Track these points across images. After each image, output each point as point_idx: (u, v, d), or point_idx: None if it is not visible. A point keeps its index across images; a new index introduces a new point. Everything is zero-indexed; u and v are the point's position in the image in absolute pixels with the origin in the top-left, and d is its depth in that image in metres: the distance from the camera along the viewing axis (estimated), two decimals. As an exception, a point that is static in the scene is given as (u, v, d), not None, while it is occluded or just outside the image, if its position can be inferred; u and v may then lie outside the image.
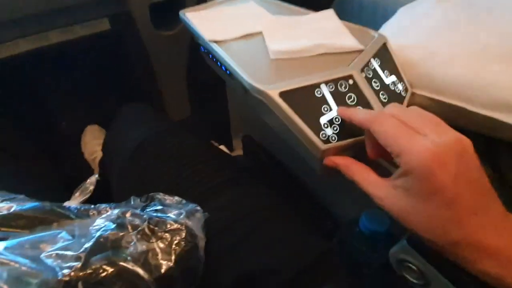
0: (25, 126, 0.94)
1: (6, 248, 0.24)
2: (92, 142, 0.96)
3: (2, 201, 0.31)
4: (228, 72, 0.42)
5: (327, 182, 0.48)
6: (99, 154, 0.90)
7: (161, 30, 0.85)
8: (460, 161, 0.21)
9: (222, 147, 0.93)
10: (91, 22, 0.77)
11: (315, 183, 0.51)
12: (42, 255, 0.23)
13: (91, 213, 0.33)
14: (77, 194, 0.36)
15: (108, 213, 0.27)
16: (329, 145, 0.30)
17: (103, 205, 0.34)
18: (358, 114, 0.27)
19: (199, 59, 0.55)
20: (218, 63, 0.45)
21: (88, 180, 0.36)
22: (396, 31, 0.46)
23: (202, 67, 0.56)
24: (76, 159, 0.97)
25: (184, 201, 0.30)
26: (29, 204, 0.30)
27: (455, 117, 0.39)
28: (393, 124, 0.24)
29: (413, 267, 0.25)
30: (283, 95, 0.31)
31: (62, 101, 1.09)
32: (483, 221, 0.20)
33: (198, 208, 0.29)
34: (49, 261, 0.22)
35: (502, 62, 0.35)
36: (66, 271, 0.21)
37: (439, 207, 0.21)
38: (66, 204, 0.35)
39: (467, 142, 0.22)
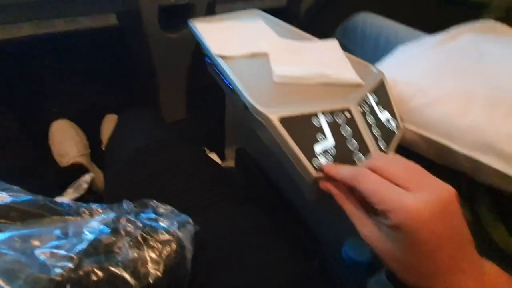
0: (16, 108, 0.92)
1: (1, 241, 0.24)
2: (65, 143, 0.86)
3: (-3, 191, 0.31)
4: (230, 87, 0.44)
5: (313, 205, 0.49)
6: (71, 159, 0.80)
7: (167, 32, 0.86)
8: (443, 217, 0.22)
9: (213, 154, 0.94)
10: (99, 15, 0.78)
11: (302, 203, 0.53)
12: (36, 251, 0.23)
13: (82, 212, 0.33)
14: (70, 190, 0.36)
15: (104, 216, 0.28)
16: (321, 173, 0.32)
17: (95, 205, 0.34)
18: (340, 173, 0.29)
19: (201, 63, 0.57)
20: (222, 76, 0.46)
21: (83, 178, 0.37)
22: (393, 67, 0.48)
23: (203, 72, 0.58)
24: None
25: (176, 211, 0.31)
26: (24, 197, 0.30)
27: (440, 154, 0.42)
28: (375, 181, 0.25)
29: (389, 300, 0.26)
30: (283, 120, 0.33)
31: (56, 89, 1.08)
32: (457, 273, 0.22)
33: (190, 220, 0.30)
34: (42, 258, 0.23)
35: (485, 109, 0.37)
36: (58, 271, 0.22)
37: (419, 259, 0.22)
38: (58, 199, 0.35)
39: (450, 195, 0.23)
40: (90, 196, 0.51)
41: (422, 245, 0.22)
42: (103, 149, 0.90)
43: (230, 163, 0.81)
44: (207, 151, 0.98)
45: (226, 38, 0.49)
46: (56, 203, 0.32)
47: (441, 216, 0.22)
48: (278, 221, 0.43)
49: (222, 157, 0.93)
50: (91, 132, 0.99)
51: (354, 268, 0.35)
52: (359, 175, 0.26)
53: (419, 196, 0.22)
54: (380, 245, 0.24)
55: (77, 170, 0.82)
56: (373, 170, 0.26)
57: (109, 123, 0.95)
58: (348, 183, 0.27)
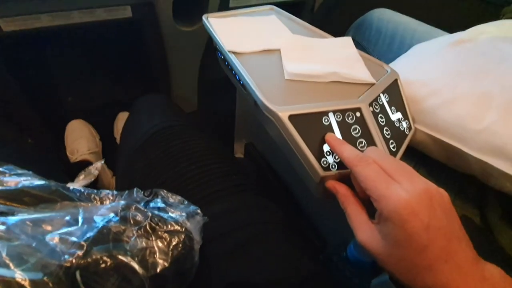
0: (33, 96, 0.95)
1: (12, 224, 0.25)
2: (77, 141, 0.91)
3: (11, 175, 0.33)
4: (241, 82, 0.44)
5: (319, 203, 0.49)
6: (79, 156, 0.86)
7: (181, 25, 0.86)
8: (431, 209, 0.22)
9: (223, 148, 0.94)
10: (114, 7, 0.79)
11: (308, 201, 0.53)
12: (47, 237, 0.24)
13: (93, 198, 0.34)
14: (81, 177, 0.37)
15: (113, 204, 0.29)
16: (329, 172, 0.32)
17: (105, 192, 0.35)
18: (344, 151, 0.29)
19: (213, 57, 0.57)
20: (233, 72, 0.46)
21: (94, 165, 0.38)
22: (407, 67, 0.47)
23: (215, 66, 0.58)
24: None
25: (186, 202, 0.31)
26: (37, 182, 0.31)
27: (451, 157, 0.41)
28: (374, 169, 0.25)
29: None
30: (292, 118, 0.33)
31: (72, 78, 1.10)
32: (452, 268, 0.22)
33: (199, 211, 0.30)
34: (52, 244, 0.24)
35: (500, 111, 0.36)
36: (68, 257, 0.23)
37: (412, 253, 0.22)
38: (70, 185, 0.36)
39: (436, 191, 0.24)
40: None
41: (413, 237, 0.22)
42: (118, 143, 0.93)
43: (239, 156, 0.81)
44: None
45: (239, 34, 0.49)
46: (68, 188, 0.33)
47: (428, 207, 0.22)
48: (288, 217, 0.43)
49: (231, 151, 0.93)
50: (102, 126, 1.02)
51: (359, 268, 0.35)
52: (360, 160, 0.27)
53: (408, 187, 0.23)
54: (376, 247, 0.24)
55: (85, 167, 0.85)
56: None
57: (122, 121, 0.97)
58: (347, 165, 0.28)
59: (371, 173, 0.25)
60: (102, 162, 0.38)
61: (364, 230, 0.26)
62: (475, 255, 0.23)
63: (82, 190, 0.34)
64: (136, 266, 0.24)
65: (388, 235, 0.23)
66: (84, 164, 0.85)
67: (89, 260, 0.23)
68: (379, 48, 0.73)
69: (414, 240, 0.22)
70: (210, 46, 0.96)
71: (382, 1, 0.83)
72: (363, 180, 0.25)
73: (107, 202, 0.33)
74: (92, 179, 0.37)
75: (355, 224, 0.27)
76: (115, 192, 0.34)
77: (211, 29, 0.51)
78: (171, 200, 0.31)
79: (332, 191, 0.31)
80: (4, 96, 0.82)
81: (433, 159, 0.44)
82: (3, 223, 0.24)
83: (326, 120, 0.33)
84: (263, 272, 0.34)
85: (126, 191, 0.34)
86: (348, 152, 0.29)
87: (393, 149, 0.35)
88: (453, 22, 0.66)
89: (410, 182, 0.23)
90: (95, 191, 0.34)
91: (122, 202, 0.28)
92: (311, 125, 0.33)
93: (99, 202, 0.33)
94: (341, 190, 0.30)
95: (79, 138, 0.91)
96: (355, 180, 0.29)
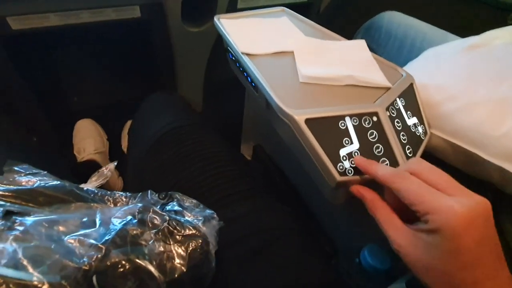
0: (40, 95, 0.95)
1: (30, 225, 0.25)
2: (85, 141, 0.91)
3: (26, 174, 0.32)
4: (253, 84, 0.43)
5: (330, 207, 0.49)
6: (86, 155, 0.87)
7: (189, 26, 0.86)
8: (485, 225, 0.22)
9: (230, 149, 0.94)
10: (123, 7, 0.79)
11: (318, 206, 0.52)
12: (65, 238, 0.24)
13: (106, 200, 0.34)
14: (94, 178, 0.37)
15: (130, 206, 0.28)
16: (345, 177, 0.31)
17: (118, 193, 0.35)
18: (378, 170, 0.28)
19: (220, 59, 0.57)
20: (245, 73, 0.46)
21: (107, 166, 0.37)
22: (422, 70, 0.47)
23: (222, 67, 0.57)
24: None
25: (201, 206, 0.31)
26: (52, 182, 0.31)
27: (468, 163, 0.41)
28: (415, 182, 0.24)
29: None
30: (309, 122, 0.32)
31: (79, 78, 1.11)
32: (497, 286, 0.21)
33: (215, 215, 0.30)
34: (70, 246, 0.23)
35: None
36: (86, 260, 0.22)
37: (459, 267, 0.21)
38: (83, 186, 0.36)
39: (489, 205, 0.23)
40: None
41: (463, 252, 0.21)
42: (125, 152, 0.92)
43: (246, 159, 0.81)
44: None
45: (252, 36, 0.49)
46: (81, 189, 0.33)
47: (484, 224, 0.22)
48: (299, 220, 0.43)
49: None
50: (109, 125, 1.02)
51: (372, 276, 0.34)
52: (398, 175, 0.25)
53: (464, 201, 0.22)
54: (415, 255, 0.23)
55: (91, 167, 0.85)
56: (412, 174, 0.25)
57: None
58: (385, 183, 0.26)
59: (411, 187, 0.24)
60: (115, 163, 0.38)
61: (401, 235, 0.25)
62: (510, 274, 0.22)
63: (96, 191, 0.34)
64: (153, 270, 0.24)
65: (434, 246, 0.22)
66: (90, 164, 0.85)
67: (107, 263, 0.23)
68: (388, 50, 0.73)
69: (464, 255, 0.21)
70: (218, 47, 0.96)
71: (387, 4, 0.82)
72: (405, 196, 0.24)
73: (120, 203, 0.33)
74: (105, 181, 0.37)
75: (389, 229, 0.26)
76: (128, 194, 0.34)
77: (223, 30, 0.50)
78: (186, 203, 0.31)
79: (358, 196, 0.30)
80: (11, 94, 0.82)
81: (447, 165, 0.44)
82: (21, 224, 0.24)
83: (342, 124, 0.33)
84: (276, 279, 0.34)
85: (139, 193, 0.34)
86: (383, 170, 0.28)
87: (410, 154, 0.35)
88: (461, 27, 0.66)
89: (463, 195, 0.23)
90: (108, 192, 0.34)
91: (139, 204, 0.28)
92: (328, 129, 0.33)
93: (112, 204, 0.33)
94: (368, 195, 0.29)
95: (87, 138, 0.91)
96: (389, 195, 0.28)
